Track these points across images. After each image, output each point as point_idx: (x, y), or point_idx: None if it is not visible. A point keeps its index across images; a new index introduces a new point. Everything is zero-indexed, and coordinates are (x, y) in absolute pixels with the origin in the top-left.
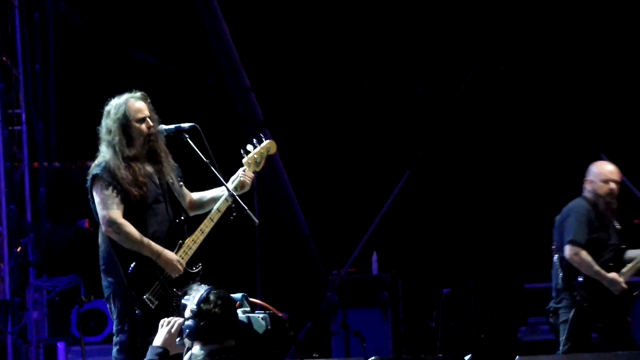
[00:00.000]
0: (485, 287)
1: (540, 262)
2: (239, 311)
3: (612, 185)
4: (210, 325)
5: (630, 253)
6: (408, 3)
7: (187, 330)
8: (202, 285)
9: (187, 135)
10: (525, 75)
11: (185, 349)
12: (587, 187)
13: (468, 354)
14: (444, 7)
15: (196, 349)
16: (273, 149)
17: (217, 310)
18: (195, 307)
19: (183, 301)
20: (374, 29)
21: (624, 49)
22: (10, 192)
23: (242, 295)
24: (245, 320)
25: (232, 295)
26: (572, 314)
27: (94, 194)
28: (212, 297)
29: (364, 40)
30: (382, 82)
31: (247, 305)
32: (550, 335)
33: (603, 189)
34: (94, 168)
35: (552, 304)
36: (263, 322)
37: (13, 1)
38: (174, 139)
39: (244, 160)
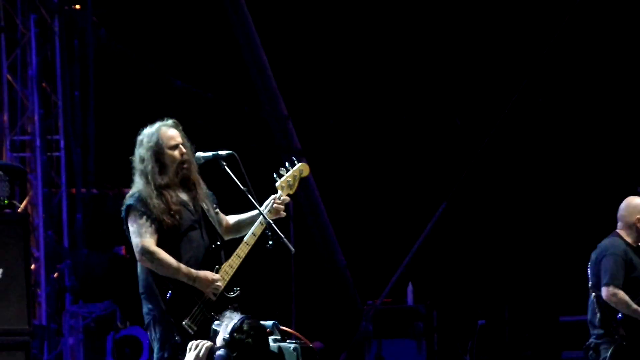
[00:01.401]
0: (521, 319)
1: (576, 294)
2: (270, 339)
3: None
4: (243, 355)
5: None
6: (447, 34)
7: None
8: (235, 313)
9: (224, 163)
10: (562, 108)
11: None
12: (624, 224)
13: None
14: (483, 38)
15: None
16: (306, 172)
17: (249, 340)
18: (227, 336)
19: (214, 327)
20: (413, 59)
21: None
22: (47, 217)
23: (273, 323)
24: (276, 349)
25: (263, 322)
26: (610, 351)
27: (129, 224)
28: (245, 327)
29: (402, 70)
30: (420, 112)
31: (278, 333)
32: None
33: None
34: (128, 199)
35: (592, 340)
36: (294, 353)
37: (53, 28)
38: (211, 166)
39: (277, 184)
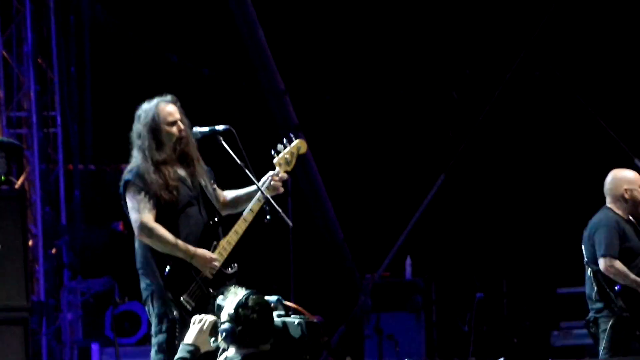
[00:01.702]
0: (518, 291)
1: (573, 266)
2: (274, 315)
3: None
4: (247, 330)
5: None
6: (444, 8)
7: (224, 334)
8: (240, 288)
9: (221, 138)
10: (560, 81)
11: (220, 351)
12: (625, 195)
13: (500, 358)
14: (479, 12)
15: (231, 351)
16: (303, 148)
17: (254, 315)
18: (232, 311)
19: (218, 301)
20: (410, 33)
21: None
22: (45, 194)
23: (278, 299)
24: (280, 324)
25: (267, 297)
26: (610, 323)
27: (127, 199)
28: (250, 302)
29: (399, 44)
30: (417, 86)
31: (282, 308)
32: (583, 340)
33: (635, 196)
34: (126, 174)
35: (592, 314)
36: (298, 328)
37: (49, 4)
38: (208, 142)
39: (275, 161)
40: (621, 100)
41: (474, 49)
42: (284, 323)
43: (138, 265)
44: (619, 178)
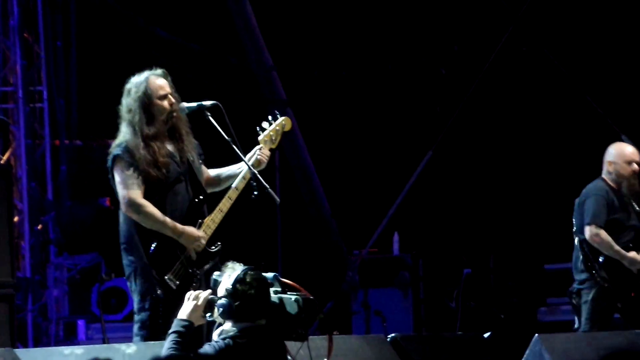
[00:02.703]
0: (506, 267)
1: (560, 243)
2: (271, 291)
3: (635, 166)
4: (245, 305)
5: None
6: None
7: (221, 309)
8: (238, 264)
9: (209, 113)
10: (547, 57)
11: (216, 325)
12: (609, 169)
13: (487, 333)
14: None
15: (228, 325)
16: (288, 126)
17: (252, 291)
18: (230, 286)
19: (215, 277)
20: (398, 8)
21: None
22: (31, 169)
23: (274, 275)
24: (277, 300)
25: (264, 274)
26: (592, 294)
27: (115, 174)
28: (248, 278)
29: (387, 20)
30: (405, 62)
31: (279, 285)
32: (570, 316)
33: (627, 169)
34: (114, 148)
35: (575, 286)
36: (295, 304)
37: None
38: (195, 117)
39: (259, 138)
40: (609, 75)
41: (462, 24)
42: (280, 299)
43: (122, 240)
44: (610, 151)
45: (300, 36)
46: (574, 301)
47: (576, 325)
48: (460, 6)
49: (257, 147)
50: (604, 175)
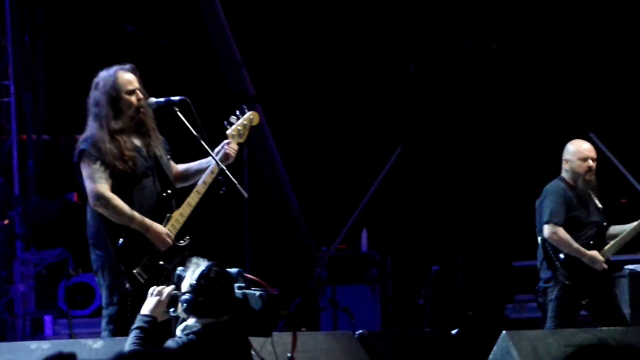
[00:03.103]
0: (474, 264)
1: (528, 240)
2: (235, 286)
3: (590, 162)
4: (208, 301)
5: (614, 230)
6: None
7: (185, 305)
8: (202, 259)
9: (177, 108)
10: (516, 54)
11: (179, 321)
12: (565, 166)
13: (455, 330)
14: None
15: (191, 321)
16: (256, 120)
17: (216, 287)
18: (195, 282)
19: (179, 272)
20: (368, 4)
21: (615, 28)
22: None
23: (238, 271)
24: (240, 296)
25: (228, 269)
26: (556, 292)
27: (82, 168)
28: (212, 274)
29: (356, 16)
30: (374, 58)
31: (243, 281)
32: (537, 313)
33: (582, 166)
34: (81, 143)
35: (540, 284)
36: (259, 300)
37: None
38: (163, 112)
39: (227, 132)
40: (578, 72)
41: (432, 21)
42: (244, 295)
43: (89, 235)
44: (566, 148)
45: (269, 32)
46: (540, 300)
47: (547, 325)
48: (430, 2)
49: (225, 142)
50: (563, 173)
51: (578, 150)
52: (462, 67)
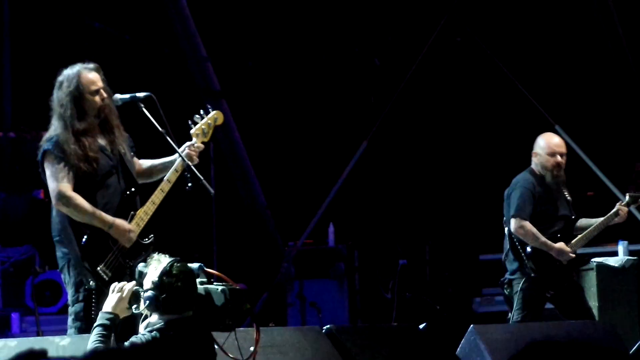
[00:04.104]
0: (441, 258)
1: (495, 233)
2: (197, 282)
3: (559, 158)
4: (171, 297)
5: (582, 223)
6: None
7: (147, 301)
8: (164, 255)
9: (142, 105)
10: (481, 47)
11: (142, 317)
12: (535, 160)
13: (423, 324)
14: None
15: (154, 318)
16: (220, 120)
17: (179, 284)
18: (157, 279)
19: (140, 268)
20: None
21: (582, 21)
22: None
23: (199, 266)
24: (203, 292)
25: (190, 265)
26: (522, 284)
27: (45, 168)
28: (174, 270)
29: (320, 10)
30: (339, 52)
31: (204, 276)
32: (504, 307)
33: (550, 161)
34: (45, 143)
35: (506, 276)
36: (222, 295)
37: None
38: (128, 109)
39: (191, 132)
40: (543, 65)
41: (396, 15)
42: (207, 290)
43: (54, 233)
44: (537, 142)
45: (234, 26)
46: (505, 292)
47: (509, 316)
48: None
49: (188, 143)
50: (532, 165)
51: (547, 145)
52: (427, 61)
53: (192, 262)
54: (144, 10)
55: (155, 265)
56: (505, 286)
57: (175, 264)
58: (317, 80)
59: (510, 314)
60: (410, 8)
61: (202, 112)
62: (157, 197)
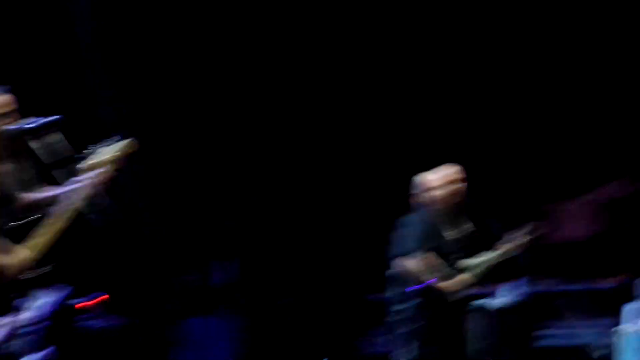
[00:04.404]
0: (328, 298)
1: (383, 273)
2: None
3: (448, 193)
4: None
5: (470, 260)
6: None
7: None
8: (45, 291)
9: (31, 136)
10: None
11: None
12: (424, 195)
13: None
14: None
15: None
16: (127, 150)
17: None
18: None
19: (18, 303)
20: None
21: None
22: None
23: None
24: None
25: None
26: (406, 324)
27: None
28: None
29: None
30: None
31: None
32: (388, 347)
33: (439, 197)
34: None
35: (393, 316)
36: None
37: None
38: (30, 136)
39: (91, 163)
40: (414, 104)
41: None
42: None
43: None
44: (419, 180)
45: (139, 58)
46: (391, 332)
47: (394, 356)
48: None
49: (89, 173)
50: (419, 204)
51: (437, 179)
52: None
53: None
54: (52, 37)
55: (34, 301)
56: (391, 326)
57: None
58: None
59: (395, 353)
60: None
61: (106, 142)
62: (49, 229)
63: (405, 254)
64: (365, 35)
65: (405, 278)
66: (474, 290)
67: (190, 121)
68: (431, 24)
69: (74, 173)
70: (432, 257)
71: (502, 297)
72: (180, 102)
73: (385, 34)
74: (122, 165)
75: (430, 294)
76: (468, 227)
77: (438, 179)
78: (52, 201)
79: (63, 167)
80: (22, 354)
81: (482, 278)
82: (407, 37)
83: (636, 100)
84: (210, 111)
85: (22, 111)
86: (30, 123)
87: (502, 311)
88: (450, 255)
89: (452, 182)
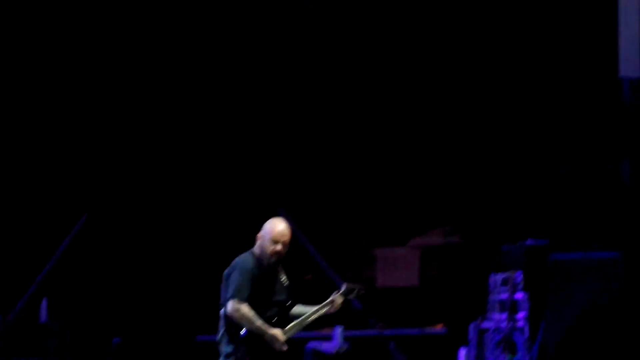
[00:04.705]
0: (158, 337)
1: (216, 314)
2: None
3: (279, 247)
4: None
5: (297, 309)
6: None
7: None
8: None
9: None
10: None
11: None
12: (258, 242)
13: None
14: None
15: None
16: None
17: None
18: None
19: None
20: None
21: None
22: None
23: None
24: None
25: None
26: None
27: None
28: None
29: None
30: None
31: None
32: None
33: (269, 248)
34: None
35: (221, 359)
36: None
37: None
38: None
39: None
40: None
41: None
42: None
43: None
44: (264, 225)
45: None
46: None
47: None
48: None
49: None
50: (255, 247)
51: (272, 231)
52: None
53: None
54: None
55: None
56: None
57: None
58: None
59: None
60: None
61: None
62: None
63: (238, 296)
64: None
65: (236, 321)
66: (305, 334)
67: None
68: None
69: None
70: (262, 302)
71: (335, 341)
72: None
73: None
74: None
75: (259, 338)
76: (286, 281)
77: (284, 233)
78: None
79: None
80: None
81: (314, 322)
82: None
83: (460, 148)
84: None
85: None
86: None
87: (336, 355)
88: (277, 302)
89: (283, 241)
